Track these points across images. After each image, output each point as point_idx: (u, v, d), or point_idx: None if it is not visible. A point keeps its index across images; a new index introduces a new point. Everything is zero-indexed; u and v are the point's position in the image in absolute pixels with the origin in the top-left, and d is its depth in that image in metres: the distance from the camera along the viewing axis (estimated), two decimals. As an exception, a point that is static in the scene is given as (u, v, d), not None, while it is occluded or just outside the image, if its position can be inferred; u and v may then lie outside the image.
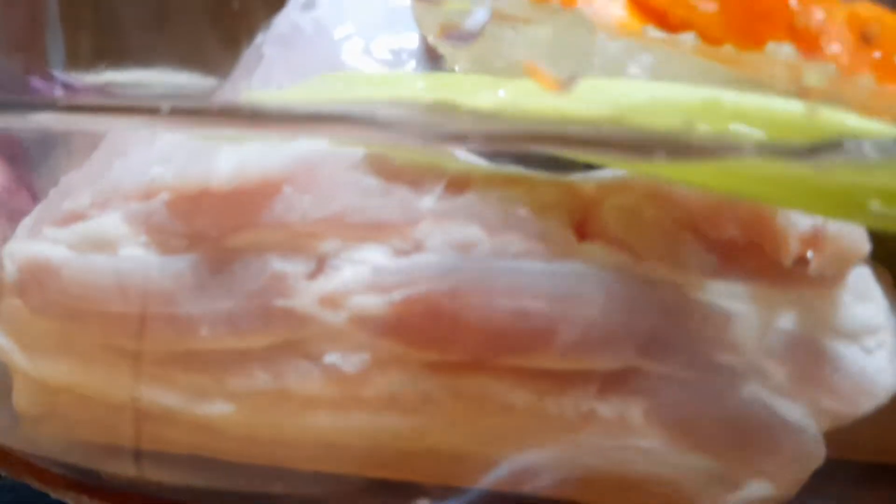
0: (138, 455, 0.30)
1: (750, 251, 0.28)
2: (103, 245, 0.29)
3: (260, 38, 0.34)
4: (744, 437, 0.28)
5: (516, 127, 0.26)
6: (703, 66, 0.32)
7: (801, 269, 0.28)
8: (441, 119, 0.27)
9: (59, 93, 0.38)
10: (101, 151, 0.32)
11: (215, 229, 0.28)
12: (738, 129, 0.26)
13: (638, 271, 0.28)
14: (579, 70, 0.29)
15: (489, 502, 0.29)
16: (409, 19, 0.32)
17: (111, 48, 0.39)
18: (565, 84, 0.26)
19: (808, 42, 0.36)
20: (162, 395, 0.29)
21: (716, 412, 0.28)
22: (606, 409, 0.28)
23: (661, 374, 0.28)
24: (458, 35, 0.29)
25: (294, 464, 0.29)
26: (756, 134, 0.26)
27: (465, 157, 0.29)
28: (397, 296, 0.28)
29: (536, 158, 0.29)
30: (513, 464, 0.28)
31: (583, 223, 0.29)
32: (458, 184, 0.28)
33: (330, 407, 0.28)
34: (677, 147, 0.26)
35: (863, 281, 0.29)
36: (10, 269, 0.29)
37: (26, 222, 0.31)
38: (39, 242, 0.29)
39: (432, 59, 0.32)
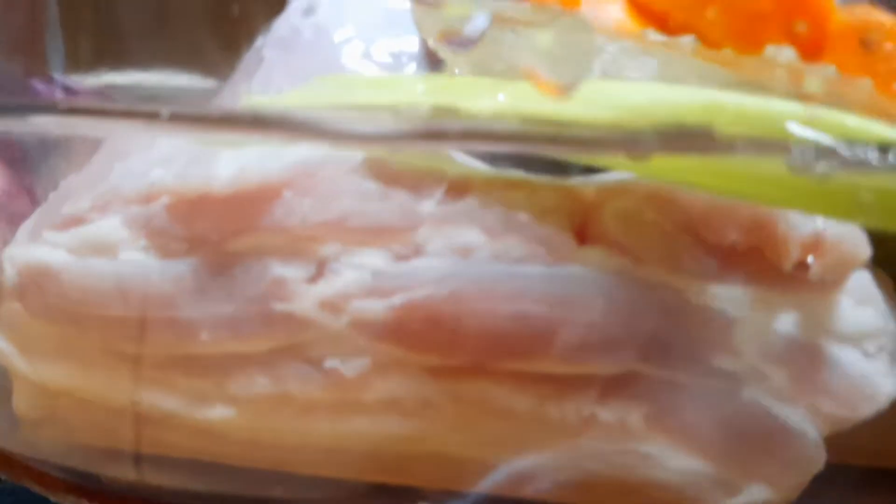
0: (138, 459, 0.30)
1: (750, 255, 0.28)
2: (103, 249, 0.29)
3: (260, 42, 0.34)
4: (744, 442, 0.28)
5: (517, 129, 0.26)
6: (703, 68, 0.32)
7: (802, 273, 0.28)
8: (440, 123, 0.27)
9: (59, 95, 0.38)
10: (101, 155, 0.31)
11: (216, 233, 0.28)
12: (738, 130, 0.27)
13: (638, 275, 0.28)
14: (580, 73, 0.29)
15: (489, 507, 0.29)
16: (408, 22, 0.32)
17: (111, 51, 0.39)
18: (565, 89, 0.26)
19: (808, 45, 0.36)
20: (162, 399, 0.29)
21: (716, 416, 0.28)
22: (607, 413, 0.28)
23: (662, 379, 0.28)
24: (458, 41, 0.29)
25: (294, 468, 0.29)
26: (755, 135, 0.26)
27: (465, 162, 0.29)
28: (397, 300, 0.28)
29: (536, 162, 0.29)
30: (513, 468, 0.28)
31: (583, 227, 0.29)
32: (458, 188, 0.28)
33: (330, 411, 0.28)
34: (678, 145, 0.26)
35: (863, 285, 0.29)
36: (10, 272, 0.29)
37: (26, 226, 0.31)
38: (39, 246, 0.29)
39: (432, 62, 0.32)
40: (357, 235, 0.28)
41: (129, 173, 0.30)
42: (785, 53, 0.32)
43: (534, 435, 0.28)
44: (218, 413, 0.29)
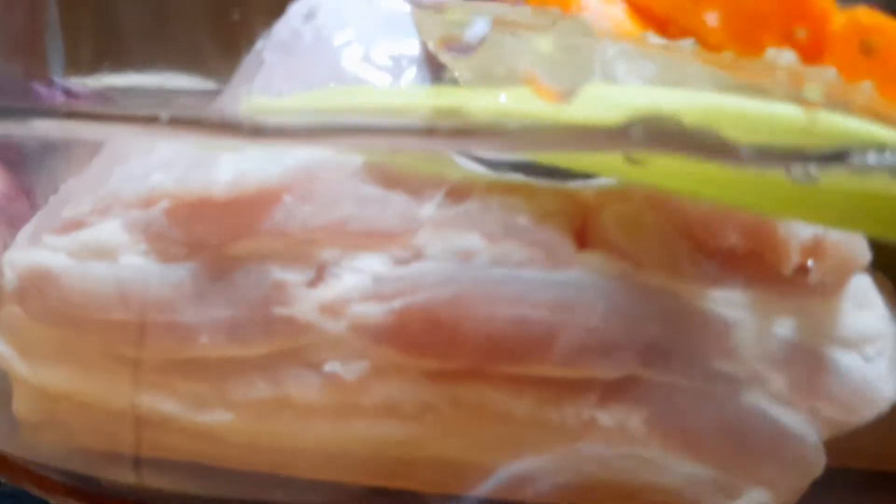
0: (138, 462, 0.30)
1: (750, 259, 0.28)
2: (103, 253, 0.29)
3: (260, 44, 0.34)
4: (744, 446, 0.28)
5: (520, 131, 0.26)
6: (704, 71, 0.32)
7: (802, 277, 0.28)
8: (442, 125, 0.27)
9: (60, 98, 0.38)
10: (100, 158, 0.31)
11: (215, 237, 0.28)
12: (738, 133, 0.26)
13: (638, 279, 0.28)
14: (579, 78, 0.29)
15: (489, 510, 0.29)
16: (409, 26, 0.32)
17: (111, 53, 0.39)
18: (564, 95, 0.26)
19: (808, 48, 0.36)
20: (162, 403, 0.29)
21: (716, 420, 0.28)
22: (607, 417, 0.28)
23: (662, 383, 0.28)
24: (458, 47, 0.29)
25: (294, 472, 0.29)
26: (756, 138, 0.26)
27: (466, 165, 0.29)
28: (397, 304, 0.28)
29: (536, 166, 0.29)
30: (512, 472, 0.28)
31: (583, 231, 0.29)
32: (458, 192, 0.28)
33: (329, 415, 0.28)
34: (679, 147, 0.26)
35: (863, 289, 0.29)
36: (10, 276, 0.29)
37: (26, 230, 0.31)
38: (39, 250, 0.29)
39: (433, 65, 0.32)
40: (357, 239, 0.28)
41: (130, 177, 0.30)
42: (785, 56, 0.32)
43: (533, 439, 0.28)
44: (217, 417, 0.29)
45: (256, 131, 0.27)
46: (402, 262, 0.28)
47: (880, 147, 0.26)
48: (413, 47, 0.32)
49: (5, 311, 0.30)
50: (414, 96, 0.29)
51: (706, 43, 0.35)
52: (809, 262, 0.28)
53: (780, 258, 0.28)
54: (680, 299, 0.28)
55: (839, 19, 0.37)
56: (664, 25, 0.37)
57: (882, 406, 0.29)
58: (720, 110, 0.27)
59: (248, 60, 0.34)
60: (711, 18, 0.37)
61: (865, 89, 0.31)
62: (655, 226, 0.28)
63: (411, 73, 0.32)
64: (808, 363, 0.28)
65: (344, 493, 0.29)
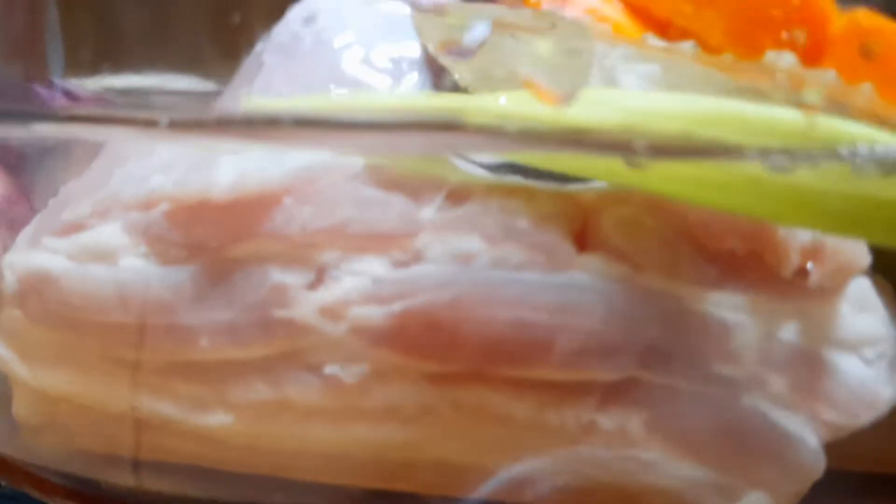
0: (138, 465, 0.30)
1: (750, 262, 0.28)
2: (103, 255, 0.29)
3: (260, 47, 0.34)
4: (743, 449, 0.28)
5: (522, 133, 0.26)
6: (704, 74, 0.32)
7: (801, 280, 0.28)
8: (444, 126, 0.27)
9: (61, 100, 0.38)
10: (100, 161, 0.31)
11: (215, 240, 0.28)
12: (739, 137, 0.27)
13: (638, 282, 0.28)
14: (580, 79, 0.29)
15: (489, 513, 0.29)
16: (409, 28, 0.32)
17: (111, 56, 0.39)
18: (564, 98, 0.26)
19: (808, 51, 0.36)
20: (161, 406, 0.29)
21: (715, 423, 0.28)
22: (607, 420, 0.28)
23: (661, 385, 0.28)
24: (458, 51, 0.29)
25: (294, 474, 0.29)
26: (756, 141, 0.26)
27: (465, 168, 0.29)
28: (397, 307, 0.28)
29: (536, 168, 0.29)
30: (513, 475, 0.28)
31: (583, 234, 0.29)
32: (458, 194, 0.28)
33: (329, 417, 0.28)
34: (680, 151, 0.26)
35: (862, 292, 0.29)
36: (10, 279, 0.29)
37: (26, 232, 0.31)
38: (39, 253, 0.29)
39: (433, 67, 0.32)
40: (357, 242, 0.28)
41: (129, 179, 0.30)
42: (785, 59, 0.32)
43: (533, 442, 0.28)
44: (217, 419, 0.29)
45: (254, 131, 0.27)
46: (402, 264, 0.28)
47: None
48: (413, 50, 0.32)
49: (5, 314, 0.30)
50: (413, 100, 0.29)
51: (706, 45, 0.35)
52: (809, 265, 0.28)
53: (779, 261, 0.28)
54: (680, 302, 0.28)
55: (839, 21, 0.37)
56: (664, 28, 0.37)
57: (881, 409, 0.29)
58: (719, 113, 0.27)
59: (247, 62, 0.34)
60: (711, 21, 0.37)
61: (865, 91, 0.31)
62: (655, 228, 0.28)
63: (411, 75, 0.32)
64: (807, 366, 0.28)
65: (344, 495, 0.29)
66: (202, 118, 0.28)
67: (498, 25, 0.32)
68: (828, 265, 0.28)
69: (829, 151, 0.26)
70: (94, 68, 0.39)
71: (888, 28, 0.37)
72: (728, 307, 0.28)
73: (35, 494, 0.32)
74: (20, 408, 0.31)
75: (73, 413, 0.30)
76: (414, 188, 0.28)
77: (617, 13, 0.38)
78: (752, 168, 0.26)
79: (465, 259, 0.28)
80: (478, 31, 0.29)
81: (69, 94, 0.38)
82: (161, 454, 0.30)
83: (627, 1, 0.38)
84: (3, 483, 0.32)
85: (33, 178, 0.34)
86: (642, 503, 0.29)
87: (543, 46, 0.30)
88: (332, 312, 0.28)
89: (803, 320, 0.28)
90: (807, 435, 0.28)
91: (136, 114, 0.27)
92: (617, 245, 0.28)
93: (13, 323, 0.30)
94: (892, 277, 0.30)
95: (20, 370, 0.30)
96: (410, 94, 0.31)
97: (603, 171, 0.28)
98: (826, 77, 0.32)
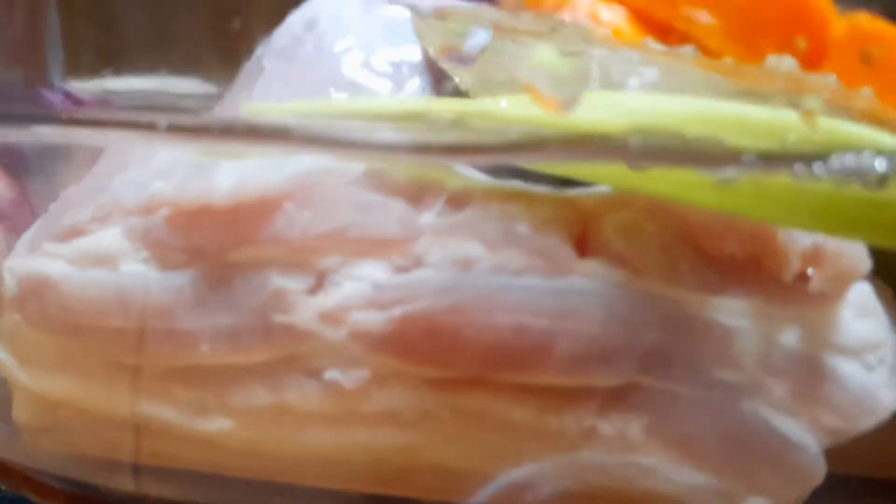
0: (137, 470, 0.30)
1: (750, 267, 0.28)
2: (103, 260, 0.29)
3: (260, 51, 0.34)
4: (744, 454, 0.28)
5: (517, 140, 0.26)
6: (704, 78, 0.32)
7: (802, 285, 0.28)
8: (444, 132, 0.27)
9: (68, 105, 0.38)
10: (101, 165, 0.32)
11: (215, 245, 0.28)
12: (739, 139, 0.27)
13: (638, 287, 0.28)
14: (581, 84, 0.29)
15: (489, 518, 0.29)
16: (410, 32, 0.32)
17: (111, 61, 0.39)
18: (565, 104, 0.26)
19: (808, 54, 0.36)
20: (162, 410, 0.29)
21: (716, 429, 0.28)
22: (607, 425, 0.28)
23: (662, 391, 0.28)
24: (459, 57, 0.29)
25: (294, 479, 0.29)
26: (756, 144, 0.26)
27: (466, 173, 0.29)
28: (397, 312, 0.28)
29: (536, 173, 0.29)
30: (513, 480, 0.28)
31: (583, 238, 0.29)
32: (457, 200, 0.28)
33: (330, 423, 0.28)
34: (680, 156, 0.26)
35: (863, 297, 0.29)
36: (10, 284, 0.29)
37: (26, 237, 0.31)
38: (39, 257, 0.29)
39: (434, 71, 0.32)
40: (357, 247, 0.28)
41: (130, 184, 0.30)
42: (785, 62, 0.32)
43: (534, 447, 0.28)
44: (217, 424, 0.29)
45: (254, 137, 0.27)
46: (402, 269, 0.28)
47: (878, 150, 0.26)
48: (414, 54, 0.32)
49: (5, 319, 0.30)
50: (414, 105, 0.29)
51: (706, 49, 0.35)
52: (809, 270, 0.28)
53: (780, 266, 0.28)
54: (680, 307, 0.28)
55: (839, 25, 0.37)
56: (664, 32, 0.37)
57: (882, 414, 0.29)
58: (720, 117, 0.27)
59: (248, 67, 0.34)
60: (712, 25, 0.37)
61: (865, 95, 0.31)
62: (655, 233, 0.28)
63: (412, 79, 0.32)
64: (808, 371, 0.28)
65: (344, 500, 0.29)
66: (201, 122, 0.28)
67: (498, 30, 0.32)
68: (828, 270, 0.28)
69: (830, 155, 0.26)
70: (94, 72, 0.39)
71: (888, 32, 0.37)
72: (729, 312, 0.28)
73: (35, 499, 0.32)
74: (20, 412, 0.31)
75: (73, 417, 0.30)
76: (414, 193, 0.28)
77: (617, 17, 0.38)
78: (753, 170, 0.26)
79: (465, 264, 0.28)
80: (478, 37, 0.29)
81: (73, 98, 0.38)
82: (161, 459, 0.30)
83: (628, 5, 0.38)
84: (3, 487, 0.32)
85: (35, 181, 0.34)
86: (643, 508, 0.29)
87: (544, 50, 0.30)
88: (332, 317, 0.28)
89: (804, 325, 0.28)
90: (807, 440, 0.28)
91: (136, 116, 0.27)
92: (617, 250, 0.28)
93: (13, 327, 0.30)
94: (893, 282, 0.30)
95: (20, 374, 0.30)
96: (411, 98, 0.31)
97: (604, 174, 0.28)
98: (826, 81, 0.32)
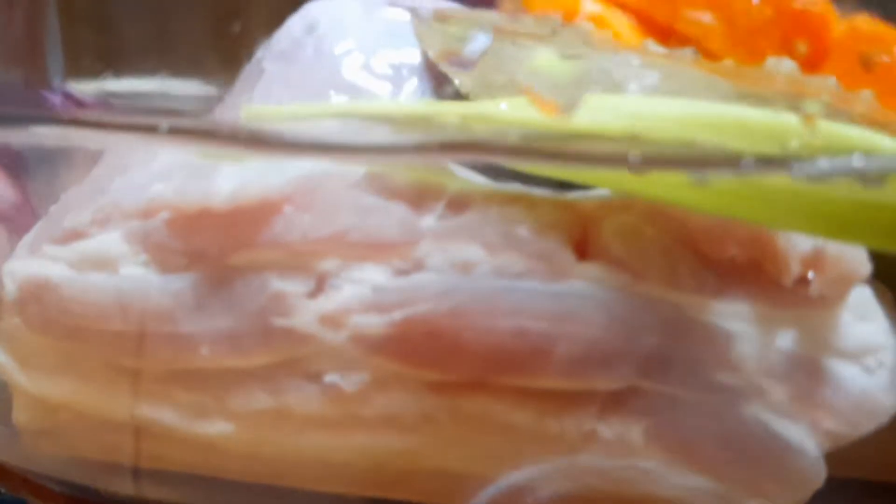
0: (137, 473, 0.30)
1: (750, 271, 0.28)
2: (103, 264, 0.29)
3: (260, 53, 0.34)
4: (744, 458, 0.28)
5: (517, 142, 0.26)
6: (704, 80, 0.32)
7: (802, 289, 0.28)
8: (442, 133, 0.27)
9: (70, 106, 0.38)
10: (101, 168, 0.32)
11: (215, 248, 0.28)
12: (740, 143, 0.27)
13: (638, 291, 0.28)
14: (581, 87, 0.29)
15: (489, 522, 0.29)
16: (409, 35, 0.32)
17: (111, 63, 0.39)
18: (565, 109, 0.26)
19: (809, 57, 0.36)
20: (161, 414, 0.29)
21: (716, 432, 0.28)
22: (607, 429, 0.28)
23: (662, 394, 0.28)
24: (458, 61, 0.29)
25: (294, 483, 0.29)
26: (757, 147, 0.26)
27: (466, 176, 0.29)
28: (397, 315, 0.28)
29: (536, 176, 0.29)
30: (512, 483, 0.28)
31: (583, 242, 0.29)
32: (458, 203, 0.28)
33: (330, 426, 0.28)
34: (680, 161, 0.26)
35: (863, 300, 0.29)
36: (10, 287, 0.29)
37: (26, 240, 0.31)
38: (39, 260, 0.29)
39: (434, 73, 0.32)
40: (357, 250, 0.28)
41: (130, 187, 0.30)
42: (786, 65, 0.32)
43: (534, 450, 0.28)
44: (217, 427, 0.29)
45: (256, 141, 0.27)
46: (402, 273, 0.28)
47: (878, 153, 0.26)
48: (414, 56, 0.32)
49: (5, 322, 0.30)
50: (414, 108, 0.29)
51: (707, 51, 0.35)
52: (810, 274, 0.28)
53: (780, 270, 0.28)
54: (680, 311, 0.28)
55: (839, 28, 0.37)
56: (665, 34, 0.37)
57: (883, 418, 0.29)
58: (720, 121, 0.27)
59: (248, 69, 0.34)
60: (712, 27, 0.37)
61: (865, 98, 0.31)
62: (656, 237, 0.28)
63: (412, 81, 0.32)
64: (808, 375, 0.28)
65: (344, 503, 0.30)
66: (202, 126, 0.28)
67: (498, 32, 0.32)
68: (829, 274, 0.28)
69: (830, 158, 0.26)
70: (94, 74, 0.39)
71: (888, 35, 0.37)
72: (729, 316, 0.28)
73: (34, 502, 0.32)
74: (20, 415, 0.31)
75: (73, 420, 0.30)
76: (414, 196, 0.28)
77: (618, 19, 0.38)
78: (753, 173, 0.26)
79: (465, 268, 0.28)
80: (478, 41, 0.29)
81: (74, 100, 0.38)
82: (161, 462, 0.30)
83: (629, 7, 0.38)
84: (3, 490, 0.32)
85: (37, 183, 0.34)
86: (643, 512, 0.29)
87: (544, 53, 0.30)
88: (332, 321, 0.28)
89: (804, 329, 0.28)
90: (807, 444, 0.28)
91: (141, 119, 0.27)
92: (617, 253, 0.28)
93: (14, 330, 0.30)
94: (893, 286, 0.30)
95: (20, 377, 0.30)
96: (411, 102, 0.31)
97: (604, 177, 0.28)
98: (826, 83, 0.32)
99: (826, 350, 0.29)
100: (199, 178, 0.29)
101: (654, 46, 0.34)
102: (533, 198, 0.29)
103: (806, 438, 0.28)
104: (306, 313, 0.28)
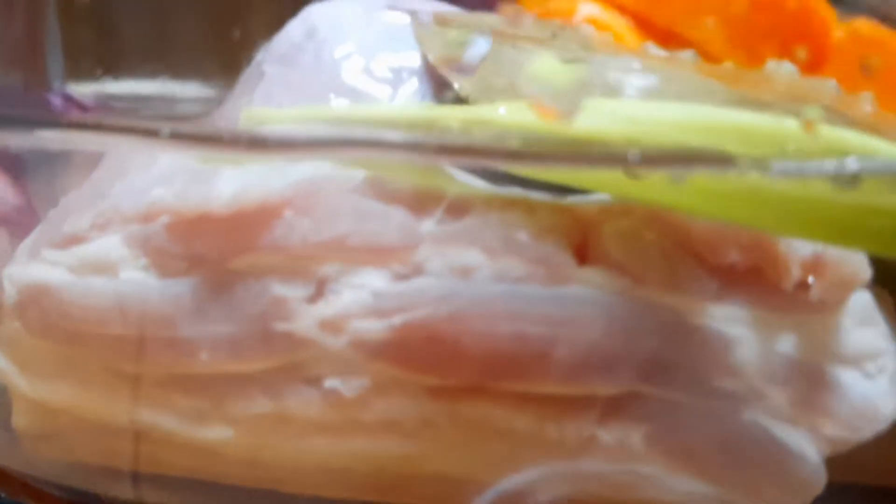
0: (137, 477, 0.30)
1: (751, 276, 0.28)
2: (103, 268, 0.29)
3: (260, 56, 0.34)
4: (744, 463, 0.28)
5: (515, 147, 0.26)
6: (704, 84, 0.32)
7: (802, 293, 0.28)
8: (443, 135, 0.27)
9: (73, 110, 0.38)
10: (101, 172, 0.31)
11: (215, 252, 0.28)
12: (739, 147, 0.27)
13: (638, 295, 0.28)
14: (581, 91, 0.29)
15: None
16: (409, 38, 0.32)
17: (111, 66, 0.39)
18: (565, 114, 0.26)
19: (809, 60, 0.36)
20: (161, 418, 0.29)
21: (716, 437, 0.28)
22: (607, 434, 0.28)
23: (662, 399, 0.28)
24: (458, 66, 0.29)
25: (293, 488, 0.29)
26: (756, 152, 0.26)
27: (465, 180, 0.29)
28: (397, 320, 0.27)
29: (536, 181, 0.29)
30: (512, 488, 0.28)
31: (583, 246, 0.29)
32: (457, 207, 0.28)
33: (329, 431, 0.28)
34: (678, 162, 0.26)
35: (864, 306, 0.29)
36: (10, 291, 0.29)
37: (26, 244, 0.31)
38: (39, 265, 0.29)
39: (433, 77, 0.32)
40: (357, 255, 0.28)
41: (130, 192, 0.30)
42: (785, 68, 0.32)
43: (533, 455, 0.28)
44: (217, 432, 0.29)
45: (256, 144, 0.27)
46: (402, 277, 0.28)
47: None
48: (413, 59, 0.32)
49: (5, 326, 0.30)
50: (414, 111, 0.29)
51: (707, 54, 0.35)
52: (810, 279, 0.28)
53: (780, 274, 0.28)
54: (680, 315, 0.28)
55: (839, 31, 0.37)
56: (665, 37, 0.37)
57: (883, 423, 0.29)
58: (720, 125, 0.27)
59: (248, 72, 0.34)
60: (712, 30, 0.37)
61: (865, 101, 0.31)
62: (656, 242, 0.28)
63: (412, 84, 0.32)
64: (808, 380, 0.28)
65: (344, 509, 0.30)
66: (202, 131, 0.28)
67: (498, 36, 0.32)
68: (829, 279, 0.28)
69: (830, 162, 0.26)
70: (94, 76, 0.39)
71: (888, 39, 0.37)
72: (729, 321, 0.28)
73: (34, 506, 0.32)
74: (20, 419, 0.31)
75: (72, 425, 0.30)
76: (414, 201, 0.28)
77: (618, 22, 0.38)
78: (753, 177, 0.26)
79: (465, 272, 0.28)
80: (478, 45, 0.29)
81: (75, 103, 0.38)
82: (160, 467, 0.30)
83: (628, 10, 0.38)
84: (3, 494, 0.32)
85: (38, 186, 0.34)
86: (642, 517, 0.29)
87: (544, 57, 0.30)
88: (332, 326, 0.28)
89: (804, 334, 0.28)
90: (807, 449, 0.28)
91: (138, 123, 0.27)
92: (617, 258, 0.28)
93: (13, 335, 0.30)
94: (894, 291, 0.30)
95: (20, 382, 0.30)
96: (411, 105, 0.31)
97: (604, 182, 0.28)
98: (826, 87, 0.32)
99: (826, 355, 0.29)
100: (200, 183, 0.29)
101: (654, 49, 0.34)
102: (533, 202, 0.29)
103: (806, 444, 0.28)
104: (306, 318, 0.28)
